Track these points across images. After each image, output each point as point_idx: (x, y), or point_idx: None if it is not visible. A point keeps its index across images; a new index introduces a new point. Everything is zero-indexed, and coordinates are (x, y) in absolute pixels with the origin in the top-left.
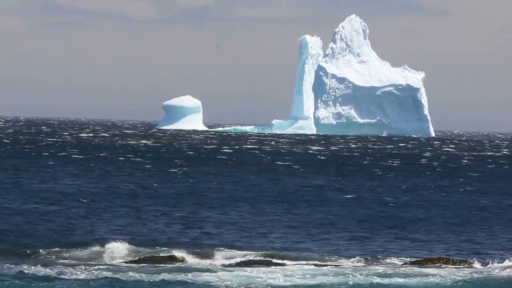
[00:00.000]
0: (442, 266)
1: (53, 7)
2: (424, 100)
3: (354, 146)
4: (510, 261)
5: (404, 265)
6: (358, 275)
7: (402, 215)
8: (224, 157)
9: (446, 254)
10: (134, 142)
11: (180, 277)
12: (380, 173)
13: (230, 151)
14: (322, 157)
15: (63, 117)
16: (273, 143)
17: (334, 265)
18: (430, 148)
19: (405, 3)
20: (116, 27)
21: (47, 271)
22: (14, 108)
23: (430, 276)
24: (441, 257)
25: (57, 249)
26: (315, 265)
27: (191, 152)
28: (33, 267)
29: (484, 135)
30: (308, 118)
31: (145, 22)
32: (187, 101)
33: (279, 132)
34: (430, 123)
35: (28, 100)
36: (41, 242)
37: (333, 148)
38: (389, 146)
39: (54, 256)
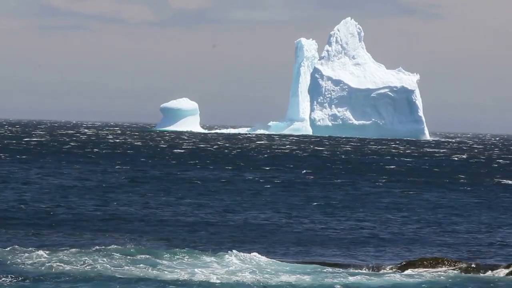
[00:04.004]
0: (437, 266)
1: (50, 11)
2: (418, 101)
3: None
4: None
5: (398, 266)
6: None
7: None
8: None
9: (440, 254)
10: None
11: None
12: None
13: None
14: None
15: (59, 120)
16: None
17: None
18: None
19: (399, 6)
20: (112, 30)
21: None
22: (9, 110)
23: (425, 277)
24: (436, 258)
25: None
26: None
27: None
28: None
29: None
30: (304, 120)
31: (140, 25)
32: (184, 103)
33: (276, 133)
34: (425, 125)
35: (24, 102)
36: None
37: None
38: None
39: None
